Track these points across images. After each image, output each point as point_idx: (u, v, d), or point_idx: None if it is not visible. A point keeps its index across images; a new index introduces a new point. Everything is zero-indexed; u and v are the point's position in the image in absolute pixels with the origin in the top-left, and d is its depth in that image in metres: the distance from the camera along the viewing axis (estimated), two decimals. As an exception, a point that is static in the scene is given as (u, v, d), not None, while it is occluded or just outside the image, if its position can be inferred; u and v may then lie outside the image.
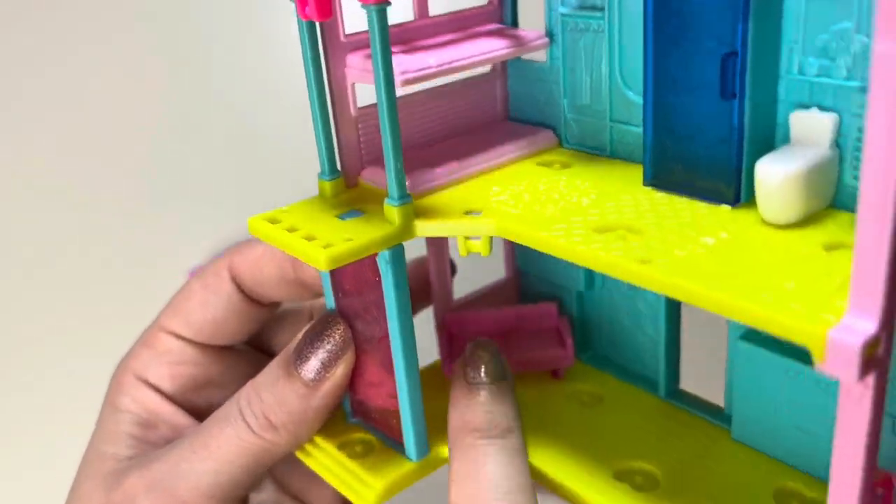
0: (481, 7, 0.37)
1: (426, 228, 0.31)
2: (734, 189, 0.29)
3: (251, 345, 0.41)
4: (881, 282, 0.21)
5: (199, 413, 0.38)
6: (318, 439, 0.36)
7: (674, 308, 0.36)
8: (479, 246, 0.32)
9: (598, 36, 0.34)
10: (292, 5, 0.31)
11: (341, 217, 0.32)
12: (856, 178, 0.27)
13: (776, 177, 0.27)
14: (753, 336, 0.32)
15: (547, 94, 0.37)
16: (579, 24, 0.34)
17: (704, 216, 0.29)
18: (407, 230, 0.31)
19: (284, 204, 0.32)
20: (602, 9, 0.33)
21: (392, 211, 0.31)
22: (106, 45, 0.50)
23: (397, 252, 0.31)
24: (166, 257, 0.39)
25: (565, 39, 0.35)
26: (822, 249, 0.26)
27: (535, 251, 0.40)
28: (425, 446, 0.34)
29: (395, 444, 0.35)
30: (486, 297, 0.42)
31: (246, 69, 0.37)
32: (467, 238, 0.32)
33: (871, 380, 0.22)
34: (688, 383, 0.37)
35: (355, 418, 0.37)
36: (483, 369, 0.33)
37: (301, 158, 0.32)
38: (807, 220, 0.27)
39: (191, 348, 0.38)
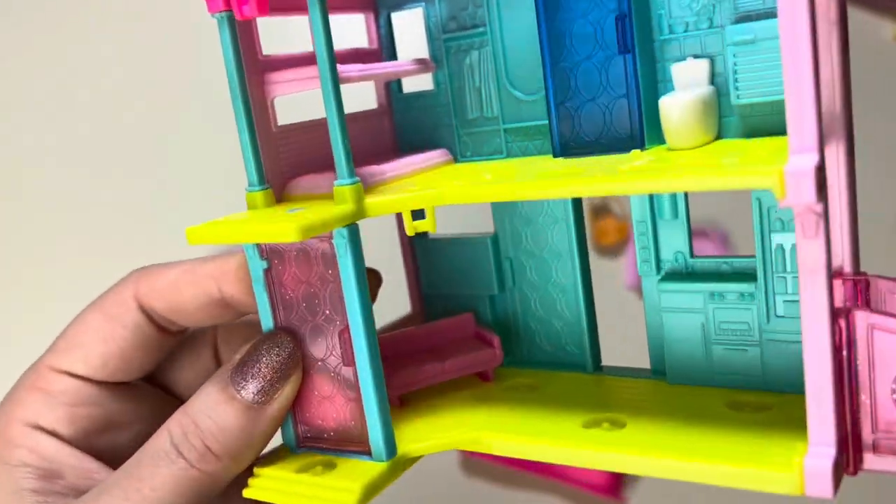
0: (365, 48, 0.41)
1: (379, 206, 0.32)
2: (639, 134, 0.34)
3: (145, 379, 0.38)
4: (813, 118, 0.26)
5: (102, 457, 0.35)
6: (269, 471, 0.34)
7: (588, 287, 0.39)
8: (426, 224, 0.33)
9: (483, 50, 0.38)
10: (213, 20, 0.33)
11: (288, 212, 0.32)
12: (739, 97, 0.33)
13: (680, 103, 0.32)
14: (672, 276, 0.36)
15: (435, 118, 0.41)
16: (462, 45, 0.39)
17: (624, 159, 0.33)
18: (360, 210, 0.32)
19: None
20: (483, 24, 0.38)
21: (344, 192, 0.32)
22: (107, 46, 0.48)
23: (353, 230, 0.32)
24: (166, 258, 0.37)
25: (450, 61, 0.39)
26: (736, 150, 0.31)
27: (443, 266, 0.42)
28: (393, 446, 0.33)
29: (358, 454, 0.34)
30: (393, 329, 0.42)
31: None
32: (414, 218, 0.33)
33: (821, 207, 0.26)
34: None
35: (302, 447, 0.35)
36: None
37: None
38: (706, 145, 0.33)
39: (88, 387, 0.35)
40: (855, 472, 0.29)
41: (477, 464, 0.75)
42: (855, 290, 0.30)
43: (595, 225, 0.76)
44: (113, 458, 0.35)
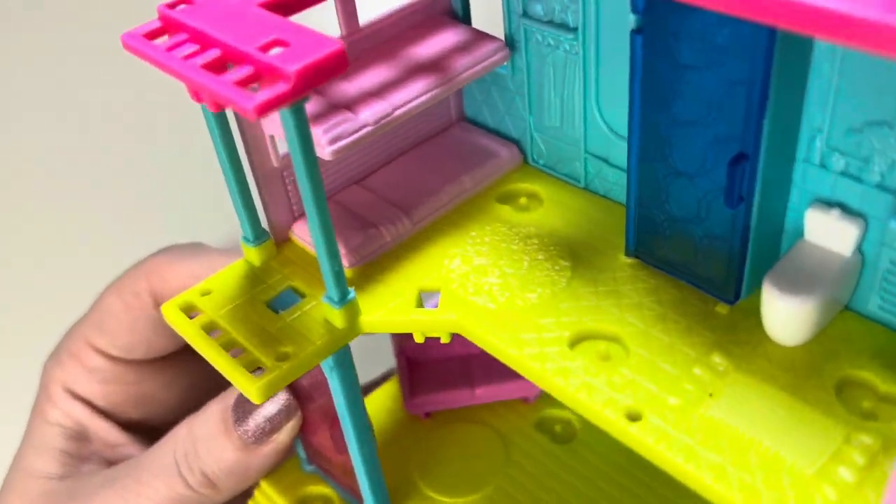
0: (427, -2, 0.30)
1: (375, 325, 0.26)
2: (734, 289, 0.24)
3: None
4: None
5: (135, 426, 0.36)
6: (273, 493, 0.34)
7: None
8: (437, 332, 0.27)
9: (571, 58, 0.27)
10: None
11: (273, 306, 0.27)
12: (883, 308, 0.23)
13: (787, 306, 0.22)
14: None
15: (508, 103, 0.31)
16: (548, 39, 0.28)
17: (698, 321, 0.24)
18: (352, 330, 0.26)
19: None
20: (575, 29, 0.27)
21: (334, 314, 0.26)
22: (108, 43, 0.44)
23: (342, 354, 0.27)
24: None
25: (530, 51, 0.29)
26: (834, 395, 0.22)
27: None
28: (388, 510, 0.32)
29: (355, 502, 0.33)
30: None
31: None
32: (423, 325, 0.27)
33: None
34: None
35: (311, 465, 0.34)
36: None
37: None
38: (818, 336, 0.23)
39: (121, 367, 0.35)
40: None
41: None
42: None
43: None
44: (148, 429, 0.36)
